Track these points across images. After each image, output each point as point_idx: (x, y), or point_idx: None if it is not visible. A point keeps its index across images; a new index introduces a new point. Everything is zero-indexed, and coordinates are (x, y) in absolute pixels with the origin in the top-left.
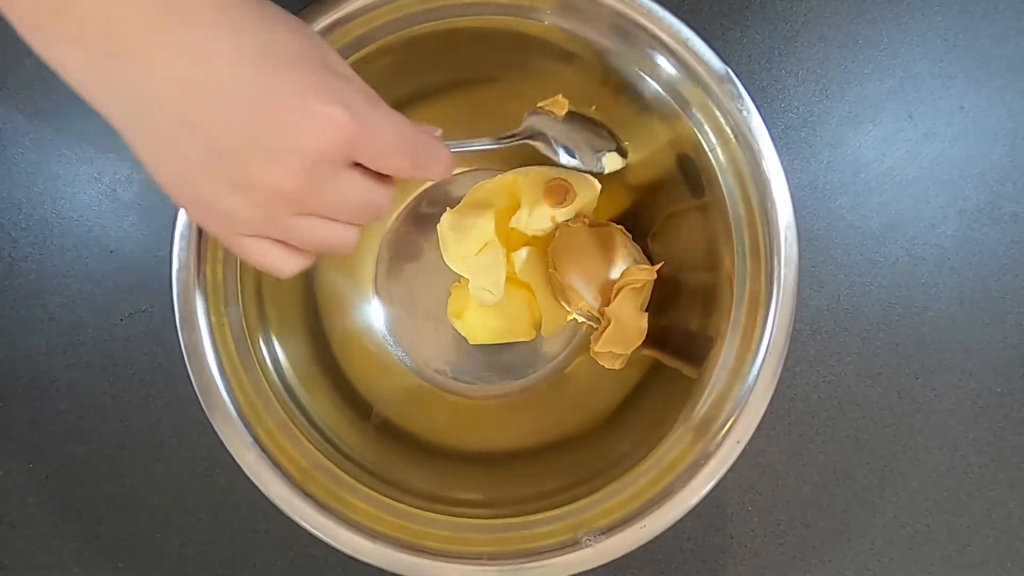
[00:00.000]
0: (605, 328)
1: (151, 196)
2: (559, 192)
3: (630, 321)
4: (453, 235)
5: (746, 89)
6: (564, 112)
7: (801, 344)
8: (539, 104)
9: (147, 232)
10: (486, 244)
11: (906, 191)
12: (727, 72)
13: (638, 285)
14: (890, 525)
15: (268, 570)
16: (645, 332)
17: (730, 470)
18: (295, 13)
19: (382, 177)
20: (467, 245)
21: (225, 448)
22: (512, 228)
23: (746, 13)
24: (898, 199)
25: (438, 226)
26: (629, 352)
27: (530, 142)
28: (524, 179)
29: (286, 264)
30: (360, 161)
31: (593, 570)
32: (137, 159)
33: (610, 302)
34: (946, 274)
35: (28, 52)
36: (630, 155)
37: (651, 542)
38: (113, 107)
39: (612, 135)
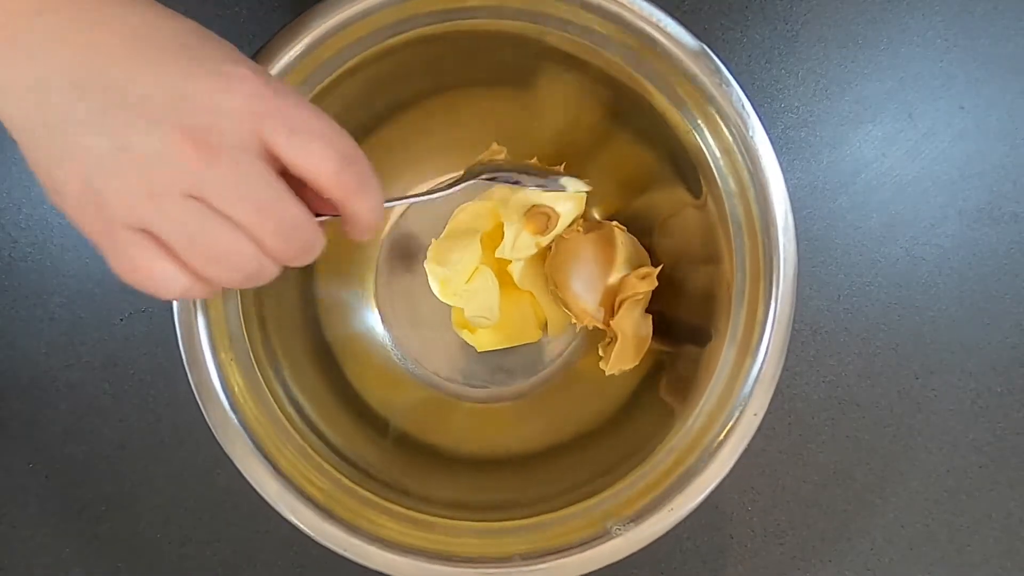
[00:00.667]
0: (612, 344)
1: None
2: (540, 220)
3: (636, 332)
4: (440, 268)
5: (740, 81)
6: (503, 156)
7: (801, 344)
8: (479, 158)
9: None
10: (475, 270)
11: (906, 191)
12: (701, 48)
13: (639, 297)
14: (890, 525)
15: (268, 570)
16: (651, 335)
17: (730, 470)
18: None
19: (306, 197)
20: (455, 276)
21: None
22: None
23: (746, 13)
24: (898, 199)
25: (425, 263)
26: (639, 360)
27: (482, 180)
28: (504, 208)
29: (168, 277)
30: (273, 140)
31: (595, 570)
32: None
33: (614, 311)
34: (946, 274)
35: None
36: (621, 149)
37: (651, 542)
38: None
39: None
